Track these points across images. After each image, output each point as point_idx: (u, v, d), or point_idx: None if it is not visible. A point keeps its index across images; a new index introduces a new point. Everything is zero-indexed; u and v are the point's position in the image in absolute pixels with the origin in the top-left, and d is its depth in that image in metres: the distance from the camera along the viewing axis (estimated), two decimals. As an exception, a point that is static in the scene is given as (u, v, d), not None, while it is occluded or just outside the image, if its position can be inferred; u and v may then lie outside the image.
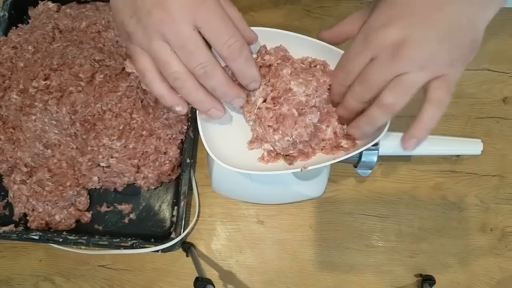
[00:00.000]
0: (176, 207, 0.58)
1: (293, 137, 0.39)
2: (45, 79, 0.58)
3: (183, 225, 0.57)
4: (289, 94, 0.39)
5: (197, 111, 0.40)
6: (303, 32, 0.43)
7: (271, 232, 0.61)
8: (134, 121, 0.58)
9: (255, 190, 0.55)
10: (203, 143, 0.40)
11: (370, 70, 0.35)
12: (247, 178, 0.52)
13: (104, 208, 0.61)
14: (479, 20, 0.33)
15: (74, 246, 0.59)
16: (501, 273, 0.59)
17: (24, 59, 0.62)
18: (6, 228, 0.57)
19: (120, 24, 0.35)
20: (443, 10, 0.32)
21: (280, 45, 0.43)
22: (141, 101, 0.59)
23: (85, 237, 0.57)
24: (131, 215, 0.61)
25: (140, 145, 0.58)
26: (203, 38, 0.33)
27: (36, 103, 0.57)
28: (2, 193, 0.62)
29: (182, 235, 0.57)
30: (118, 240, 0.57)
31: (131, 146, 0.57)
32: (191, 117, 0.61)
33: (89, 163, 0.58)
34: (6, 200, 0.61)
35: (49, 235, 0.57)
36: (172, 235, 0.57)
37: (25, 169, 0.59)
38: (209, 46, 0.34)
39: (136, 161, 0.58)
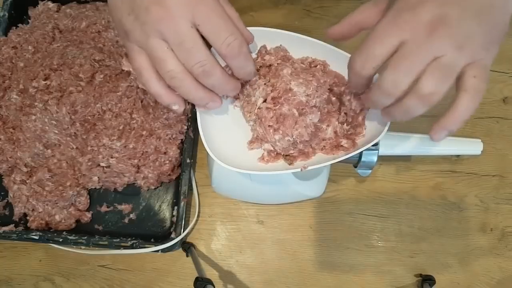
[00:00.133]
0: (176, 207, 0.58)
1: (294, 137, 0.39)
2: (45, 79, 0.58)
3: (183, 225, 0.57)
4: (290, 94, 0.39)
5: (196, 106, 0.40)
6: (303, 32, 0.43)
7: (271, 232, 0.61)
8: (134, 121, 0.58)
9: (255, 190, 0.55)
10: (203, 143, 0.41)
11: (405, 53, 0.30)
12: (247, 178, 0.52)
13: (104, 208, 0.61)
14: (509, 2, 0.32)
15: (74, 246, 0.59)
16: (501, 273, 0.59)
17: (24, 59, 0.62)
18: (6, 228, 0.57)
19: (118, 22, 0.35)
20: None
21: (280, 45, 0.43)
22: (141, 101, 0.59)
23: (85, 237, 0.57)
24: (131, 215, 0.61)
25: (140, 145, 0.58)
26: (201, 36, 0.33)
27: (36, 103, 0.57)
28: (2, 193, 0.62)
29: (182, 235, 0.57)
30: (118, 240, 0.57)
31: (131, 146, 0.57)
32: (191, 117, 0.61)
33: (89, 163, 0.58)
34: (6, 200, 0.61)
35: (49, 235, 0.57)
36: (172, 235, 0.57)
37: (25, 169, 0.59)
38: (207, 44, 0.34)
39: (136, 161, 0.58)
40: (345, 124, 0.42)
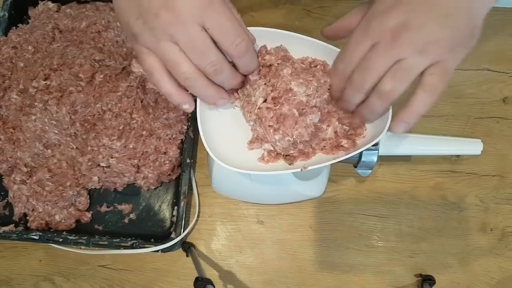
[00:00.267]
0: (176, 207, 0.58)
1: (294, 137, 0.39)
2: (45, 79, 0.58)
3: (183, 225, 0.57)
4: (290, 94, 0.39)
5: (199, 104, 0.41)
6: (303, 32, 0.43)
7: (271, 232, 0.61)
8: (134, 121, 0.58)
9: (255, 190, 0.55)
10: (203, 143, 0.41)
11: (370, 57, 0.34)
12: (247, 178, 0.52)
13: (104, 208, 0.61)
14: (479, 5, 0.33)
15: (74, 246, 0.59)
16: (501, 273, 0.59)
17: (24, 59, 0.62)
18: (6, 228, 0.57)
19: (125, 25, 0.36)
20: None
21: (281, 45, 0.43)
22: (141, 101, 0.59)
23: (85, 237, 0.57)
24: (131, 215, 0.61)
25: (140, 145, 0.58)
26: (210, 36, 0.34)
27: (36, 103, 0.57)
28: (2, 193, 0.62)
29: (182, 235, 0.57)
30: (118, 240, 0.57)
31: (131, 146, 0.57)
32: (191, 117, 0.61)
33: (89, 163, 0.58)
34: (6, 200, 0.61)
35: (49, 235, 0.57)
36: (172, 235, 0.57)
37: (25, 169, 0.59)
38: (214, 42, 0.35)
39: (136, 161, 0.58)
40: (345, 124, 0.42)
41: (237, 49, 0.35)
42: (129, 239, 0.57)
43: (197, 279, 0.52)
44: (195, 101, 0.41)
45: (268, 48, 0.43)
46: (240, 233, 0.61)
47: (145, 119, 0.58)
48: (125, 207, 0.61)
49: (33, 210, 0.59)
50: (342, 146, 0.42)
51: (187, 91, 0.37)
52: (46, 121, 0.57)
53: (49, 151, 0.59)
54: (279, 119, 0.39)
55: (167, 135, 0.59)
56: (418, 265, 0.59)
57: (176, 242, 0.56)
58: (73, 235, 0.57)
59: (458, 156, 0.62)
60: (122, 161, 0.58)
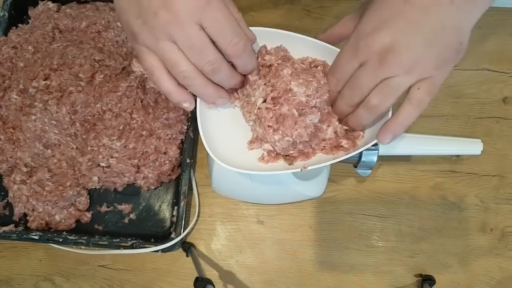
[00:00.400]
0: (176, 207, 0.58)
1: (293, 137, 0.39)
2: (45, 79, 0.58)
3: (183, 225, 0.57)
4: (289, 95, 0.39)
5: (199, 104, 0.41)
6: (303, 32, 0.43)
7: (271, 232, 0.61)
8: (134, 121, 0.58)
9: (255, 190, 0.55)
10: (203, 143, 0.41)
11: (359, 76, 0.36)
12: (247, 178, 0.52)
13: (104, 208, 0.61)
14: (464, 23, 0.34)
15: (74, 246, 0.59)
16: (501, 273, 0.59)
17: (24, 59, 0.62)
18: (6, 228, 0.57)
19: (126, 24, 0.36)
20: (428, 14, 0.33)
21: (281, 45, 0.43)
22: (141, 101, 0.59)
23: (85, 237, 0.57)
24: (131, 215, 0.61)
25: (140, 145, 0.58)
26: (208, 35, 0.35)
27: (36, 103, 0.57)
28: (2, 193, 0.62)
29: (182, 235, 0.57)
30: (118, 240, 0.57)
31: (131, 146, 0.57)
32: (191, 117, 0.61)
33: (89, 163, 0.58)
34: (6, 200, 0.61)
35: (49, 235, 0.57)
36: (172, 235, 0.57)
37: (25, 169, 0.59)
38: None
39: (136, 161, 0.58)
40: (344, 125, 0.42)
41: (235, 48, 0.35)
42: (129, 239, 0.57)
43: (197, 279, 0.52)
44: (196, 100, 0.42)
45: (268, 48, 0.43)
46: (240, 233, 0.61)
47: (145, 119, 0.58)
48: (125, 207, 0.61)
49: (33, 210, 0.59)
50: (342, 146, 0.42)
51: (187, 89, 0.38)
52: (46, 121, 0.57)
53: (49, 151, 0.59)
54: (279, 119, 0.39)
55: (167, 135, 0.59)
56: (418, 265, 0.59)
57: (176, 242, 0.56)
58: (73, 235, 0.57)
59: (458, 156, 0.62)
60: (122, 161, 0.58)
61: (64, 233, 0.58)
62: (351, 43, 0.37)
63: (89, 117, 0.58)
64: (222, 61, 0.36)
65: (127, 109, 0.58)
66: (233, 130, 0.43)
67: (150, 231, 0.60)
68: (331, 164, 0.42)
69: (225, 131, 0.43)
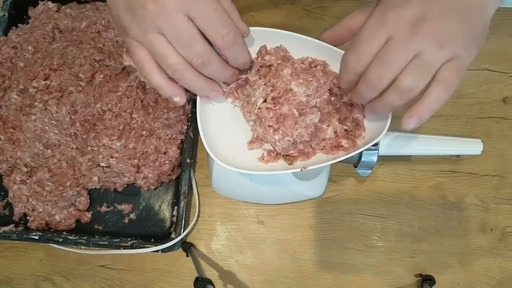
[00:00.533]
0: (176, 207, 0.58)
1: (294, 137, 0.39)
2: (45, 79, 0.58)
3: (183, 225, 0.57)
4: (290, 94, 0.39)
5: (199, 104, 0.41)
6: (303, 32, 0.43)
7: (271, 232, 0.61)
8: (134, 121, 0.58)
9: (255, 190, 0.55)
10: (203, 143, 0.41)
11: (388, 50, 0.32)
12: (247, 178, 0.52)
13: (104, 208, 0.61)
14: (488, 5, 0.34)
15: (74, 246, 0.59)
16: (501, 273, 0.59)
17: (24, 59, 0.62)
18: (6, 228, 0.57)
19: (116, 19, 0.36)
20: None
21: (280, 45, 0.43)
22: (141, 101, 0.59)
23: (85, 237, 0.57)
24: (131, 215, 0.61)
25: (140, 145, 0.58)
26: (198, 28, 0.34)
27: (36, 103, 0.57)
28: (2, 193, 0.62)
29: (182, 235, 0.57)
30: (118, 240, 0.57)
31: (131, 146, 0.57)
32: (191, 117, 0.61)
33: (89, 163, 0.58)
34: (6, 200, 0.61)
35: (49, 235, 0.57)
36: (172, 235, 0.57)
37: (25, 169, 0.59)
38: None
39: (136, 161, 0.58)
40: (345, 125, 0.42)
41: (224, 40, 0.35)
42: (129, 239, 0.57)
43: (197, 279, 0.52)
44: (196, 99, 0.41)
45: (268, 48, 0.43)
46: (240, 233, 0.61)
47: (145, 119, 0.58)
48: (125, 207, 0.61)
49: (33, 210, 0.59)
50: (342, 146, 0.42)
51: (178, 83, 0.37)
52: (46, 121, 0.57)
53: (49, 151, 0.59)
54: (279, 119, 0.39)
55: (167, 135, 0.59)
56: (418, 265, 0.59)
57: (176, 242, 0.56)
58: (73, 235, 0.57)
59: (458, 156, 0.62)
60: (122, 161, 0.58)
61: (64, 233, 0.58)
62: (376, 15, 0.33)
63: (89, 117, 0.58)
64: (212, 54, 0.35)
65: (127, 109, 0.58)
66: (233, 130, 0.43)
67: (150, 231, 0.60)
68: (331, 164, 0.42)
69: (225, 131, 0.43)
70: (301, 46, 0.43)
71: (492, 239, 0.60)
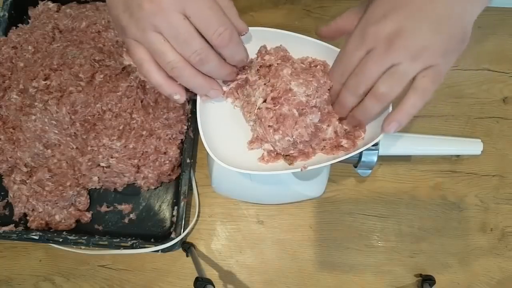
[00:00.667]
0: (176, 207, 0.58)
1: (294, 137, 0.39)
2: (45, 79, 0.58)
3: (183, 225, 0.57)
4: (290, 94, 0.39)
5: (199, 104, 0.41)
6: (303, 32, 0.43)
7: (271, 232, 0.61)
8: (134, 121, 0.58)
9: (255, 190, 0.55)
10: (203, 143, 0.41)
11: (366, 62, 0.36)
12: (247, 178, 0.52)
13: (104, 208, 0.61)
14: (468, 13, 0.34)
15: (74, 246, 0.59)
16: (501, 273, 0.59)
17: (24, 59, 0.62)
18: (6, 228, 0.57)
19: (116, 18, 0.36)
20: (435, 2, 0.33)
21: (280, 45, 0.43)
22: (141, 101, 0.59)
23: (85, 237, 0.57)
24: (131, 215, 0.61)
25: (140, 145, 0.58)
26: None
27: (36, 103, 0.57)
28: (2, 193, 0.62)
29: (182, 235, 0.57)
30: (118, 240, 0.57)
31: (131, 146, 0.57)
32: (191, 117, 0.61)
33: (89, 163, 0.58)
34: (6, 200, 0.61)
35: (49, 235, 0.57)
36: (172, 235, 0.57)
37: (25, 169, 0.59)
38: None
39: (136, 161, 0.58)
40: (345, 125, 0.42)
41: (220, 38, 0.35)
42: (129, 239, 0.57)
43: (197, 279, 0.52)
44: (196, 100, 0.41)
45: (268, 48, 0.43)
46: (240, 233, 0.61)
47: (145, 119, 0.58)
48: (125, 207, 0.61)
49: (33, 210, 0.59)
50: (342, 146, 0.42)
51: (177, 81, 0.37)
52: (46, 121, 0.57)
53: (49, 151, 0.59)
54: (279, 119, 0.39)
55: (167, 135, 0.59)
56: (418, 265, 0.59)
57: (176, 242, 0.56)
58: (73, 235, 0.57)
59: (458, 156, 0.62)
60: (122, 161, 0.58)
61: (64, 233, 0.58)
62: (358, 31, 0.36)
63: (89, 117, 0.58)
64: (209, 51, 0.36)
65: (127, 109, 0.58)
66: (233, 130, 0.43)
67: (150, 231, 0.60)
68: (331, 164, 0.42)
69: (225, 131, 0.43)
70: (301, 46, 0.43)
71: (492, 239, 0.60)
